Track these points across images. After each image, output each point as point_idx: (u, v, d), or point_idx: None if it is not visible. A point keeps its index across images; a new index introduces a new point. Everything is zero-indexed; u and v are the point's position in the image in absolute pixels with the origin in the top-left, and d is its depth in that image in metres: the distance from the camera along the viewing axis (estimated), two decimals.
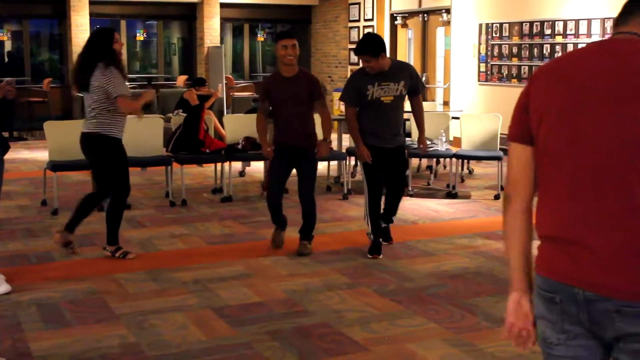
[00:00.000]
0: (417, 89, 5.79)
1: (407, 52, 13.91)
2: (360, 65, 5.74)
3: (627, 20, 1.95)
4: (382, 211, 5.93)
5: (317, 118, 5.98)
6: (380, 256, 5.76)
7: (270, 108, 5.88)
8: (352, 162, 9.14)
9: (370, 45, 5.55)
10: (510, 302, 2.05)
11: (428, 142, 8.31)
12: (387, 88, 5.60)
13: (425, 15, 13.45)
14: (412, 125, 8.54)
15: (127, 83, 5.58)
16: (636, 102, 1.82)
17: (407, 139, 8.81)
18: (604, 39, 2.08)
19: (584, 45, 2.03)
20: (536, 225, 2.01)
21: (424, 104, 10.75)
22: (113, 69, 5.37)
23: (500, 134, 8.45)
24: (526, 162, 2.00)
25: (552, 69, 1.99)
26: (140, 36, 16.25)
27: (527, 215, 2.03)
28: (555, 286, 1.94)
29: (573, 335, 1.95)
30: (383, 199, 5.91)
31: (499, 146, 8.38)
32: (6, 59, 15.30)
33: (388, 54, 6.07)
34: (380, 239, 5.87)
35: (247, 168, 9.63)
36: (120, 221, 5.69)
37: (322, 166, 9.16)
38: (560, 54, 10.45)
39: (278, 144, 5.85)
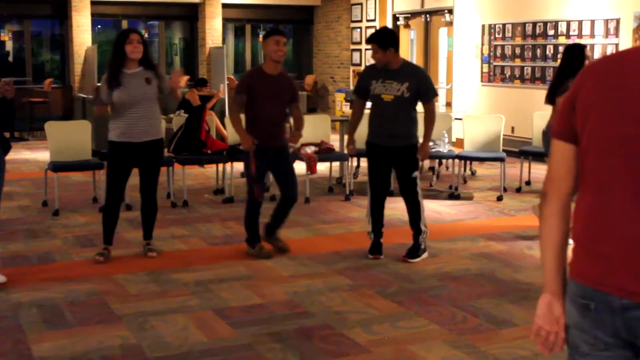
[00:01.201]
0: (427, 95, 5.61)
1: (410, 52, 13.90)
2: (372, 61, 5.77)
3: None
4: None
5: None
6: (381, 256, 5.74)
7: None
8: (354, 164, 9.13)
9: (380, 35, 5.60)
10: (541, 304, 1.99)
11: (430, 144, 8.29)
12: (390, 86, 5.57)
13: (427, 15, 13.43)
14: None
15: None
16: None
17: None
18: None
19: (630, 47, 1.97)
20: (574, 223, 1.95)
21: None
22: (103, 77, 5.55)
23: (503, 135, 8.44)
24: (568, 160, 1.95)
25: (603, 65, 1.91)
26: None
27: (564, 215, 1.97)
28: (590, 293, 1.88)
29: (604, 346, 1.89)
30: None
31: (501, 147, 8.36)
32: (8, 59, 15.30)
33: None
34: (382, 240, 5.84)
35: None
36: (106, 224, 5.66)
37: (324, 167, 9.16)
38: None
39: (258, 145, 5.64)
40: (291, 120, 5.96)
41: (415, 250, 5.72)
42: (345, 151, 8.49)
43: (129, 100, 5.42)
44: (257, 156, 5.66)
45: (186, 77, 15.20)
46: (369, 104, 5.91)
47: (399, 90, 5.54)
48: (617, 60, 1.89)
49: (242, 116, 5.87)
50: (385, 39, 5.54)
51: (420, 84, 5.58)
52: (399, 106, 5.57)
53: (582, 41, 10.06)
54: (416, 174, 5.67)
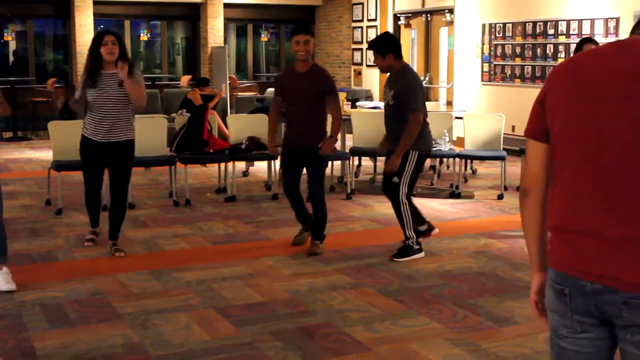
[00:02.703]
0: (404, 106, 5.41)
1: (411, 52, 13.91)
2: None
3: None
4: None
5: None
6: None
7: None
8: (356, 162, 9.15)
9: (378, 41, 5.58)
10: (534, 282, 2.22)
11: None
12: (387, 92, 5.60)
13: (428, 15, 13.45)
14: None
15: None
16: None
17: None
18: (622, 38, 2.14)
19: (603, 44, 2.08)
20: (547, 216, 2.08)
21: (427, 104, 10.71)
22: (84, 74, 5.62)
23: (504, 134, 8.45)
24: (542, 159, 2.08)
25: (570, 66, 2.03)
26: (144, 36, 16.26)
27: (543, 207, 2.11)
28: (564, 279, 2.00)
29: (581, 328, 2.01)
30: None
31: (502, 146, 8.38)
32: (11, 59, 15.33)
33: None
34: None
35: (251, 168, 9.64)
36: (88, 209, 6.06)
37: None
38: (563, 54, 10.46)
39: (287, 144, 5.80)
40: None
41: (403, 251, 5.70)
42: (349, 153, 8.52)
43: (101, 100, 5.54)
44: (286, 153, 5.79)
45: (188, 77, 15.26)
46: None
47: (388, 96, 5.57)
48: (585, 59, 2.01)
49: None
50: (382, 45, 5.50)
51: (401, 95, 5.44)
52: (389, 112, 5.60)
53: None
54: (397, 180, 5.54)
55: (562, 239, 2.01)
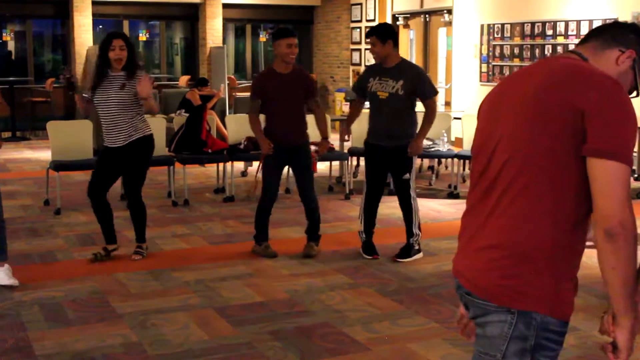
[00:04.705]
0: (423, 93, 5.56)
1: (409, 52, 13.92)
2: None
3: (584, 42, 2.10)
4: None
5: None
6: (379, 256, 5.75)
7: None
8: (354, 163, 9.16)
9: (379, 28, 5.61)
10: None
11: (429, 142, 8.33)
12: (385, 84, 5.56)
13: (427, 15, 13.46)
14: None
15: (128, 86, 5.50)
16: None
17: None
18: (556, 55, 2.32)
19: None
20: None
21: None
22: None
23: None
24: None
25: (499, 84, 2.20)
26: (143, 36, 16.26)
27: None
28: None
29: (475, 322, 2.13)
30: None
31: None
32: (10, 59, 15.32)
33: None
34: (373, 240, 5.85)
35: (249, 168, 9.64)
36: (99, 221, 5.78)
37: (324, 166, 9.19)
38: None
39: (274, 146, 5.67)
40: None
41: (406, 251, 5.73)
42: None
43: (103, 104, 5.45)
44: (272, 158, 5.67)
45: (187, 77, 15.27)
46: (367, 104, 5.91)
47: (394, 87, 5.53)
48: (507, 77, 2.16)
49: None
50: (384, 32, 5.54)
51: (415, 83, 5.53)
52: (393, 104, 5.55)
53: None
54: (408, 176, 5.62)
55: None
